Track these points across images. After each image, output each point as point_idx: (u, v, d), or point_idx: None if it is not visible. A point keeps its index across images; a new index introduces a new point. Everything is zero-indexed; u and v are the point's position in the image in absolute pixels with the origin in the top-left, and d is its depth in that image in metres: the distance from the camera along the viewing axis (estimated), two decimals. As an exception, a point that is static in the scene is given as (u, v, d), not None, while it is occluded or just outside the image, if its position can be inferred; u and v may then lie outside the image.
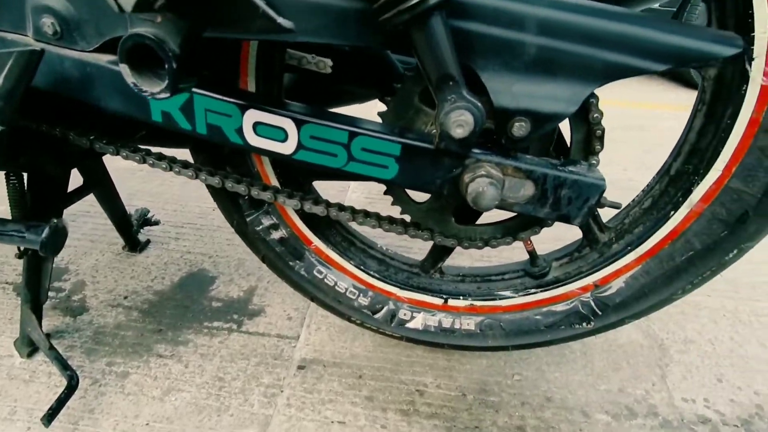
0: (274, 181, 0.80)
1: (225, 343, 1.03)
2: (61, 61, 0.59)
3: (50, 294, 1.12)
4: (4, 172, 0.85)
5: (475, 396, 0.95)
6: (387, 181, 0.60)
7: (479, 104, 0.50)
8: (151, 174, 1.69)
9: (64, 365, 0.89)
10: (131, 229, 1.24)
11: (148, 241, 1.32)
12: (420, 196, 0.73)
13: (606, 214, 0.77)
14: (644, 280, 0.73)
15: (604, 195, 0.59)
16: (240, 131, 0.59)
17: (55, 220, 0.62)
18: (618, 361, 1.05)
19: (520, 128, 0.54)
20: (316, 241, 0.86)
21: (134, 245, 1.27)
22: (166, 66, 0.41)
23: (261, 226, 0.83)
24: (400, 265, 0.91)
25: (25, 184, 0.87)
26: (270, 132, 0.58)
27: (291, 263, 0.87)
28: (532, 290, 0.84)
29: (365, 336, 1.07)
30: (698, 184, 0.64)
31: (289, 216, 0.83)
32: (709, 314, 1.20)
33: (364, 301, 0.89)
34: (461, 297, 0.87)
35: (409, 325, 0.89)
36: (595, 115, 0.59)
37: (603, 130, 0.60)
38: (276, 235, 0.85)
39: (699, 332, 1.14)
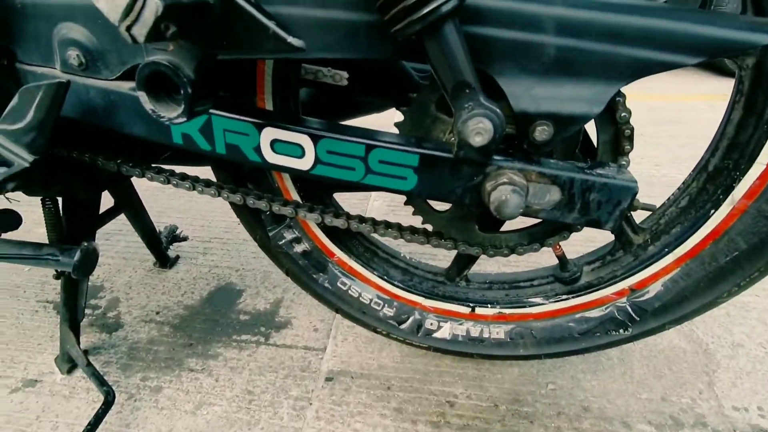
0: (294, 196, 0.80)
1: (253, 356, 1.04)
2: (87, 91, 0.61)
3: (87, 311, 1.16)
4: (40, 197, 0.89)
5: (507, 406, 0.92)
6: (407, 192, 0.59)
7: (498, 110, 0.48)
8: (179, 191, 1.74)
9: (101, 381, 0.92)
10: (161, 246, 1.28)
11: (177, 257, 1.36)
12: (441, 205, 0.72)
13: (639, 215, 0.74)
14: (685, 283, 0.69)
15: (637, 197, 0.56)
16: (258, 149, 0.59)
17: (86, 244, 0.65)
18: (659, 368, 1.00)
19: (542, 132, 0.52)
20: (339, 253, 0.86)
21: (164, 261, 1.31)
22: (182, 91, 0.41)
23: (283, 240, 0.84)
24: (424, 274, 0.90)
25: (60, 208, 0.91)
26: (287, 149, 0.58)
27: (315, 276, 0.87)
28: (564, 296, 0.81)
29: (392, 346, 1.06)
30: (740, 180, 0.59)
31: (311, 229, 0.84)
32: (758, 316, 1.13)
33: (389, 311, 0.88)
34: (489, 305, 0.85)
35: (437, 335, 0.88)
36: (623, 114, 0.57)
37: (632, 130, 0.57)
38: (299, 248, 0.85)
39: (748, 335, 1.07)
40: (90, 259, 0.65)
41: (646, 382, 0.97)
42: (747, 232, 0.61)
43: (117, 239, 1.45)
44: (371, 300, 0.87)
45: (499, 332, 0.84)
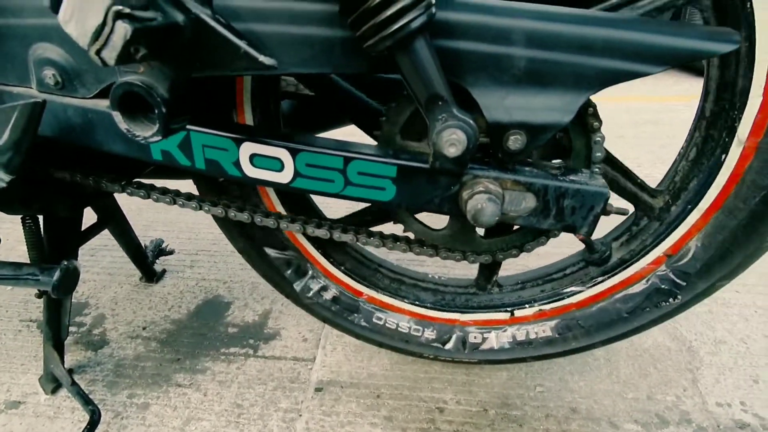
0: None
1: (242, 369, 1.04)
2: (64, 110, 0.61)
3: (72, 329, 1.15)
4: (19, 216, 0.88)
5: (497, 410, 0.93)
6: (386, 203, 0.59)
7: (471, 121, 0.49)
8: (165, 205, 1.73)
9: (86, 400, 0.91)
10: (147, 260, 1.27)
11: (164, 271, 1.35)
12: (437, 222, 0.73)
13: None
14: (722, 237, 0.65)
15: (610, 202, 0.57)
16: (237, 164, 0.59)
17: (66, 263, 0.64)
18: (645, 367, 1.01)
19: (515, 141, 0.54)
20: (366, 290, 0.87)
21: (150, 276, 1.30)
22: (156, 111, 0.42)
23: (311, 292, 0.86)
24: (455, 290, 0.90)
25: (42, 226, 0.90)
26: (266, 163, 0.59)
27: (350, 318, 0.88)
28: (600, 279, 0.78)
29: (381, 354, 1.06)
30: (740, 119, 0.58)
31: (333, 274, 0.86)
32: (739, 311, 1.15)
33: (430, 335, 0.87)
34: (527, 305, 0.84)
35: (483, 347, 0.86)
36: (595, 124, 0.58)
37: (603, 138, 0.59)
38: (327, 295, 0.87)
39: (729, 331, 1.09)
40: (70, 278, 0.65)
41: (632, 382, 0.98)
42: (766, 168, 0.58)
43: (102, 255, 1.43)
44: (410, 328, 0.87)
45: (545, 330, 0.82)
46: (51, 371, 0.97)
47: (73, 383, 0.93)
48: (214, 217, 0.79)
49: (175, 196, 0.75)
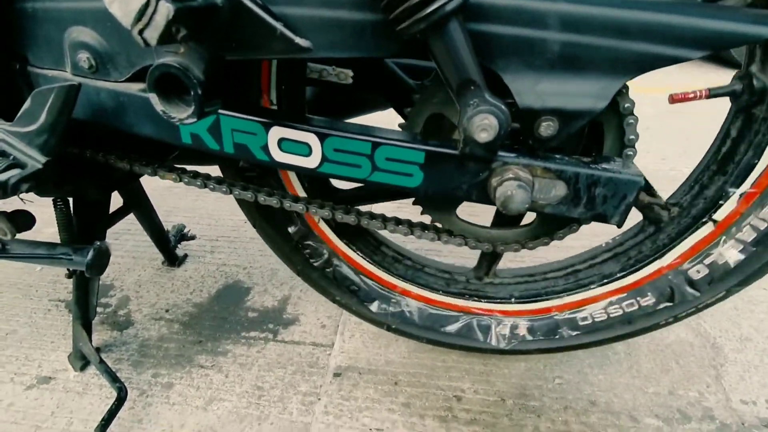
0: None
1: (262, 353, 1.06)
2: (97, 93, 0.63)
3: (98, 310, 1.18)
4: (51, 198, 0.91)
5: (515, 401, 0.93)
6: (413, 189, 0.59)
7: (503, 106, 0.48)
8: (187, 191, 1.76)
9: (113, 378, 0.94)
10: (169, 245, 1.30)
11: (185, 256, 1.37)
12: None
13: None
14: None
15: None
16: (266, 148, 0.60)
17: (99, 243, 0.66)
18: (667, 362, 1.00)
19: (547, 128, 0.53)
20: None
21: (173, 260, 1.32)
22: (192, 93, 0.42)
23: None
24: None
25: (72, 209, 0.93)
26: (294, 147, 0.59)
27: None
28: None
29: (399, 342, 1.07)
30: None
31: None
32: (766, 309, 1.12)
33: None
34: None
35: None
36: (626, 105, 0.57)
37: (636, 120, 0.58)
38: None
39: (756, 329, 1.07)
40: (102, 258, 0.67)
41: (653, 376, 0.97)
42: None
43: (126, 239, 1.47)
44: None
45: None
46: (80, 349, 1.00)
47: (101, 361, 0.97)
48: (239, 201, 0.80)
49: (205, 180, 0.76)
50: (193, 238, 1.37)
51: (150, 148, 0.79)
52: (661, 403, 0.91)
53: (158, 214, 1.25)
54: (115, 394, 0.91)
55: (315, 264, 0.90)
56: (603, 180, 0.54)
